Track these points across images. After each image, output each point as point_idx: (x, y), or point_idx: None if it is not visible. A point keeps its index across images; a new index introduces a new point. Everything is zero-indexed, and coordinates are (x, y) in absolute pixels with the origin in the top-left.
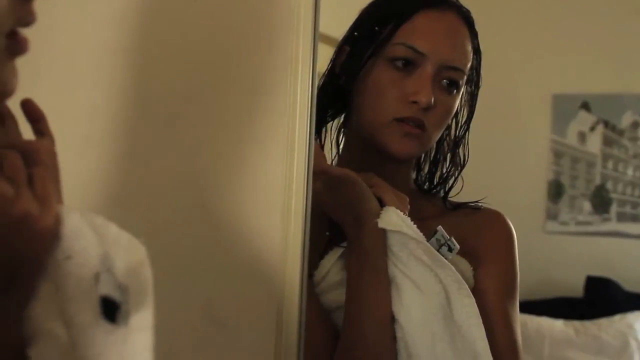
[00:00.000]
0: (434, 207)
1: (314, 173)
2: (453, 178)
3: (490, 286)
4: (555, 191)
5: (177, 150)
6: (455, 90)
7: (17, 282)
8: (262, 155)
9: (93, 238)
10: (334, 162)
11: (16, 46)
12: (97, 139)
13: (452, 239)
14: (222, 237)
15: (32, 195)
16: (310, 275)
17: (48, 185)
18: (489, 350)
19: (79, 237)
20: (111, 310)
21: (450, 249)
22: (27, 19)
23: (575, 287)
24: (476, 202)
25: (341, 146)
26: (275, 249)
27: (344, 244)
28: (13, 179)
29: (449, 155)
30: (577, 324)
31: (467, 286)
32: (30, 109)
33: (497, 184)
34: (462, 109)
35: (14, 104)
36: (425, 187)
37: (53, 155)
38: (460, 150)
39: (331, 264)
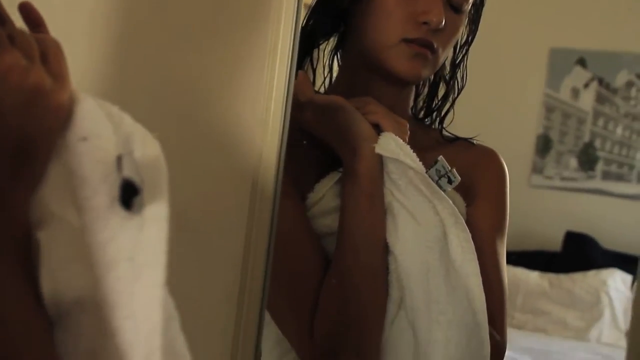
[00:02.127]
0: (429, 139)
1: (301, 103)
2: (449, 104)
3: (483, 223)
4: (544, 145)
5: (165, 57)
6: (461, 10)
7: (28, 162)
8: (247, 66)
9: (109, 124)
10: (325, 87)
11: None
12: (86, 42)
13: (454, 170)
14: (198, 145)
15: (45, 70)
16: (304, 199)
17: (62, 62)
18: (482, 287)
19: (95, 120)
20: (129, 196)
21: (450, 181)
22: None
23: (554, 241)
24: (471, 138)
25: (335, 70)
26: (250, 159)
27: (342, 170)
28: (26, 53)
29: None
30: (552, 276)
31: (463, 220)
32: (29, 13)
33: (486, 133)
34: (464, 30)
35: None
36: (421, 116)
37: (61, 50)
38: (458, 74)
39: (326, 189)
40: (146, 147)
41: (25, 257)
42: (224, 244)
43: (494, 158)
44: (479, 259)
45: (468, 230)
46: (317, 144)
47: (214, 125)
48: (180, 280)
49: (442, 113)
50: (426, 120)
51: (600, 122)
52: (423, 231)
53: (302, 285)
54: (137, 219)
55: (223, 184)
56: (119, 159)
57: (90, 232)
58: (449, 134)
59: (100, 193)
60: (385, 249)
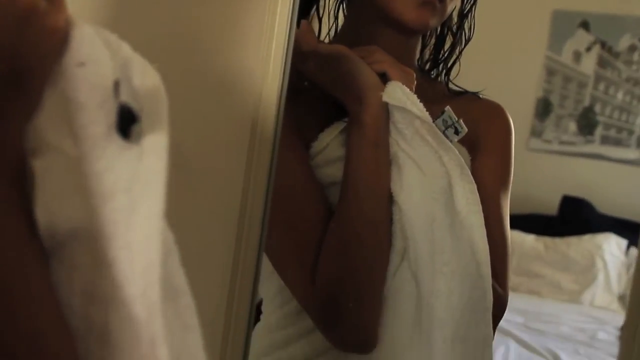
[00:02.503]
0: (435, 91)
1: (305, 53)
2: (455, 56)
3: (488, 177)
4: (543, 109)
5: None
6: None
7: (22, 88)
8: (248, 7)
9: (107, 50)
10: (331, 37)
11: None
12: None
13: (460, 121)
14: (198, 85)
15: None
16: (308, 148)
17: None
18: (486, 239)
19: (93, 45)
20: (126, 123)
21: (457, 132)
22: None
23: (550, 205)
24: (477, 92)
25: (341, 20)
26: (250, 100)
27: (346, 120)
28: None
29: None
30: (547, 240)
31: (469, 172)
32: None
33: (485, 94)
34: None
35: None
36: (427, 68)
37: None
38: (466, 25)
39: (331, 138)
40: (145, 76)
41: (20, 186)
42: (222, 184)
43: (500, 112)
44: (483, 212)
45: (474, 182)
46: (321, 94)
47: (214, 66)
48: (178, 221)
49: (449, 65)
50: (432, 73)
51: (601, 86)
52: (428, 182)
53: (305, 234)
54: (135, 148)
55: (222, 124)
56: (116, 84)
57: (86, 161)
58: (456, 87)
59: (97, 120)
60: (389, 199)
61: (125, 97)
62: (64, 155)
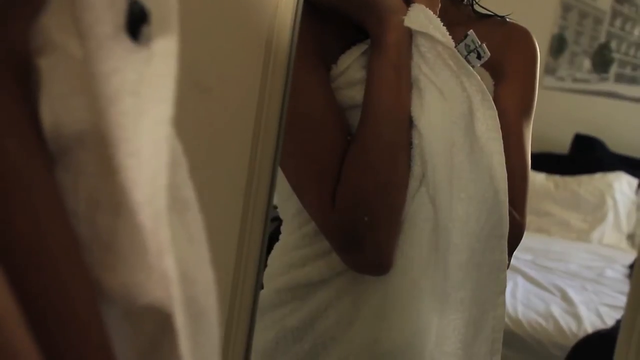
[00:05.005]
0: (461, 14)
1: None
2: None
3: (511, 103)
4: (558, 46)
5: None
6: None
7: None
8: None
9: None
10: None
11: None
12: None
13: (484, 45)
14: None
15: None
16: (329, 69)
17: None
18: (505, 166)
19: None
20: (135, 23)
21: (479, 56)
22: None
23: (562, 143)
24: (504, 16)
25: None
26: (265, 11)
27: (368, 41)
28: None
29: None
30: (557, 178)
31: (490, 97)
32: None
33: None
34: None
35: None
36: None
37: None
38: None
39: (352, 60)
40: None
41: (26, 85)
42: (237, 103)
43: (527, 37)
44: (503, 139)
45: (494, 108)
46: (342, 16)
47: None
48: (191, 141)
49: None
50: None
51: (618, 22)
52: (449, 107)
53: (325, 156)
54: (144, 51)
55: (236, 42)
56: None
57: (93, 62)
58: (482, 9)
59: (105, 20)
60: (409, 123)
61: None
62: (71, 57)
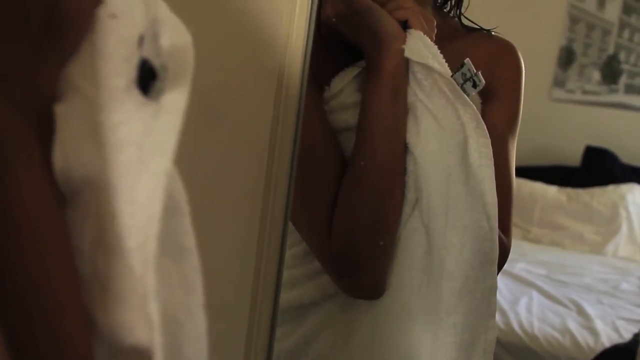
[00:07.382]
0: (448, 28)
1: (326, 1)
2: None
3: (498, 121)
4: (567, 58)
5: None
6: None
7: (61, 36)
8: None
9: (141, 5)
10: None
11: None
12: None
13: (479, 74)
14: (223, 28)
15: None
16: (322, 90)
17: None
18: (495, 191)
19: None
20: (146, 80)
21: (475, 85)
22: None
23: (573, 155)
24: (489, 30)
25: None
26: (277, 43)
27: (361, 64)
28: None
29: None
30: (570, 191)
31: (484, 126)
32: None
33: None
34: None
35: None
36: (438, 3)
37: None
38: None
39: (345, 83)
40: (176, 36)
41: (47, 126)
42: (249, 133)
43: (512, 53)
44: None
45: (488, 136)
46: (336, 38)
47: (241, 14)
48: (204, 170)
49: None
50: (444, 7)
51: (626, 33)
52: (446, 135)
53: (321, 184)
54: (152, 105)
55: (249, 73)
56: (141, 39)
57: (105, 111)
58: (469, 22)
59: (120, 73)
60: (404, 149)
61: (147, 53)
62: (86, 101)
